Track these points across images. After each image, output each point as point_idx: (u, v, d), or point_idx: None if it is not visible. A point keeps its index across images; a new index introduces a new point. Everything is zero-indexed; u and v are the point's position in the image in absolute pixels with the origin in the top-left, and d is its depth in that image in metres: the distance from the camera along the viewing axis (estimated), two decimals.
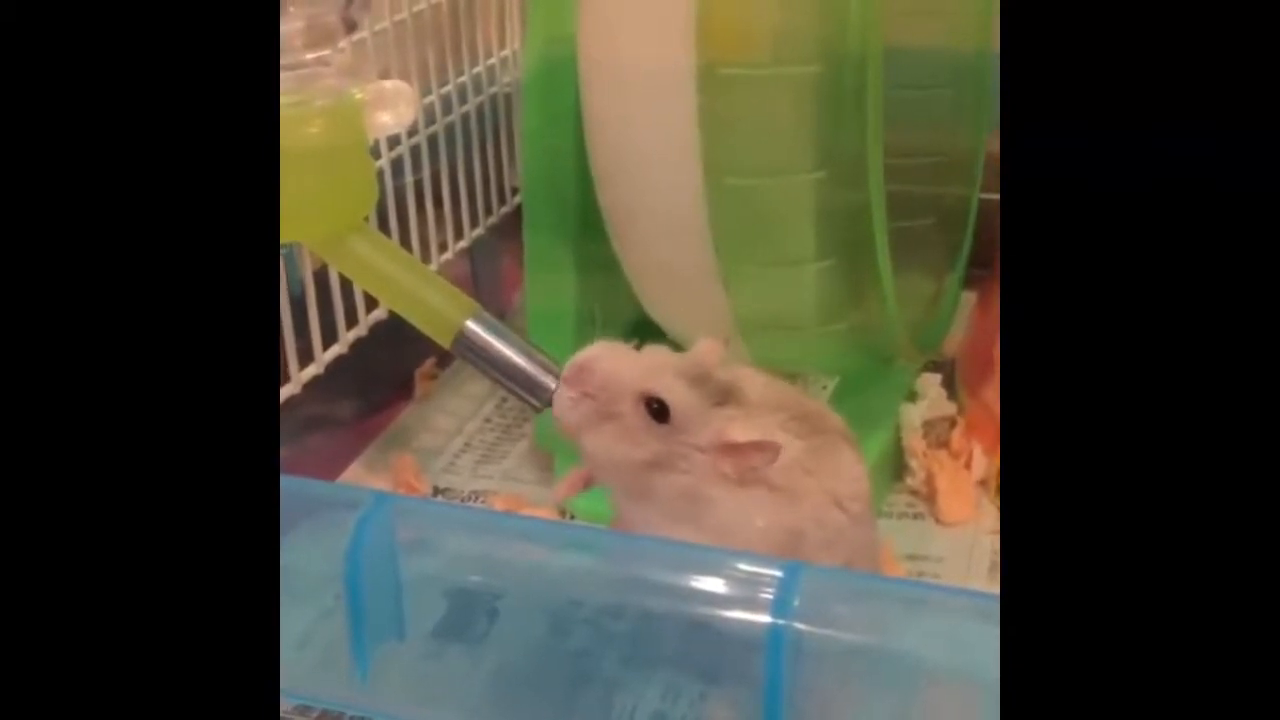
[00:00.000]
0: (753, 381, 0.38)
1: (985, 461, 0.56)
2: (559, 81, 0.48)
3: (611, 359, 0.37)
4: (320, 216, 0.38)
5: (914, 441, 0.56)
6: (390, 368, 0.64)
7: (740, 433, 0.36)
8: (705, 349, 0.38)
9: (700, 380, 0.37)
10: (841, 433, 0.42)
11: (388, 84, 0.39)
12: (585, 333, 0.54)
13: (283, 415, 0.50)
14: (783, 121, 0.44)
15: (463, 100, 0.63)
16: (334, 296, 0.53)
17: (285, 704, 0.43)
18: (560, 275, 0.53)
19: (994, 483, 0.55)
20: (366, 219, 0.39)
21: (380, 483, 0.58)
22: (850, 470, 0.41)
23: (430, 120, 0.60)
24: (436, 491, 0.58)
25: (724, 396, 0.37)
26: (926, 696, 0.27)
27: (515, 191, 0.67)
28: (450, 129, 0.62)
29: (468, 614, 0.30)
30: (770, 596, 0.27)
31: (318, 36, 0.36)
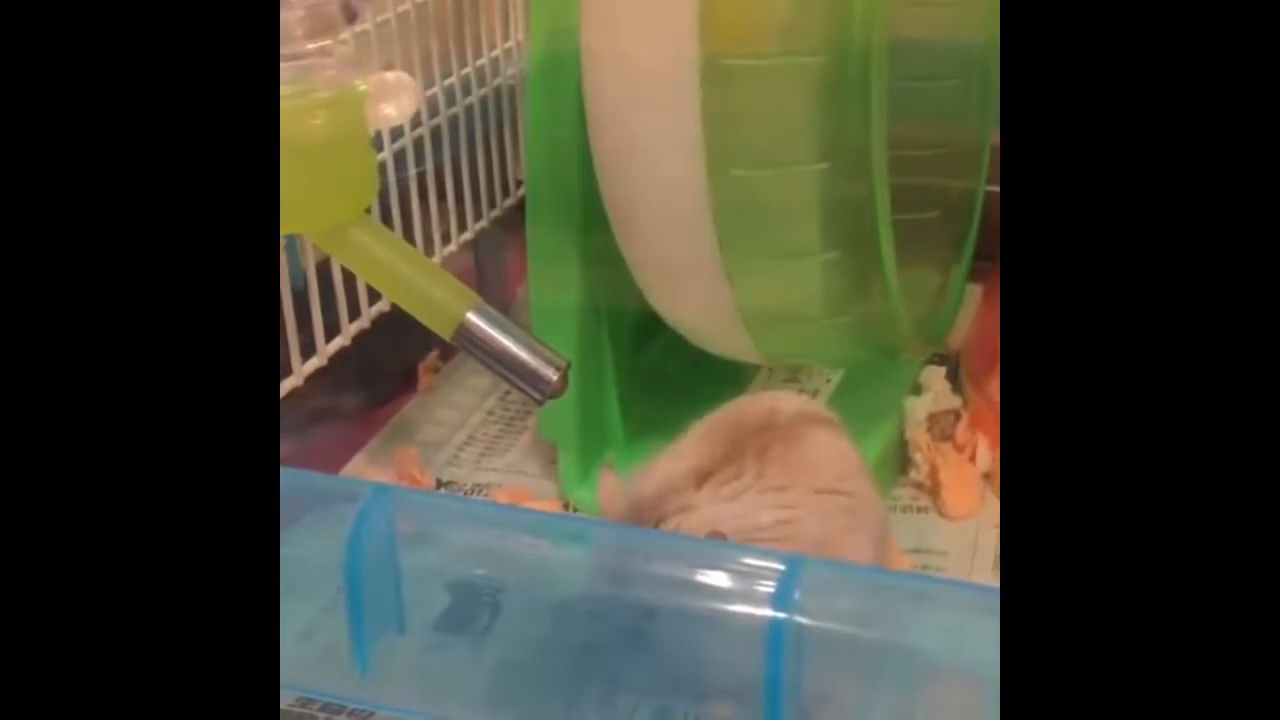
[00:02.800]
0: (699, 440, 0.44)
1: (989, 455, 0.55)
2: (563, 74, 0.48)
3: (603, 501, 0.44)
4: (321, 208, 0.37)
5: (918, 435, 0.56)
6: (393, 360, 0.64)
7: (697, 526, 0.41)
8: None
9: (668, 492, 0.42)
10: (806, 418, 0.43)
11: (390, 75, 0.38)
12: (588, 325, 0.54)
13: (286, 408, 0.49)
14: (787, 113, 0.44)
15: (466, 92, 0.63)
16: (336, 289, 0.53)
17: (286, 697, 0.43)
18: (564, 268, 0.53)
19: (998, 476, 0.55)
20: (369, 211, 0.39)
21: (383, 476, 0.58)
22: (826, 452, 0.43)
23: (433, 112, 0.60)
24: (440, 484, 0.58)
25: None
26: (928, 690, 0.27)
27: (519, 184, 0.67)
28: (454, 121, 0.62)
29: (469, 607, 0.30)
30: (771, 590, 0.27)
31: (318, 26, 0.35)
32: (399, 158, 0.58)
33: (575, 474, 0.55)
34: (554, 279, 0.53)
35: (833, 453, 0.44)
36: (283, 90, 0.34)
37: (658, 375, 0.59)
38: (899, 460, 0.56)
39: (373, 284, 0.40)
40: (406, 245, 0.40)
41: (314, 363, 0.52)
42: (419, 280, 0.38)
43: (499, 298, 0.68)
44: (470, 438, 0.62)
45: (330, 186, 0.38)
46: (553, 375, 0.38)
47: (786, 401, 0.46)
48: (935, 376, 0.59)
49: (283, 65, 0.34)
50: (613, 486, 0.43)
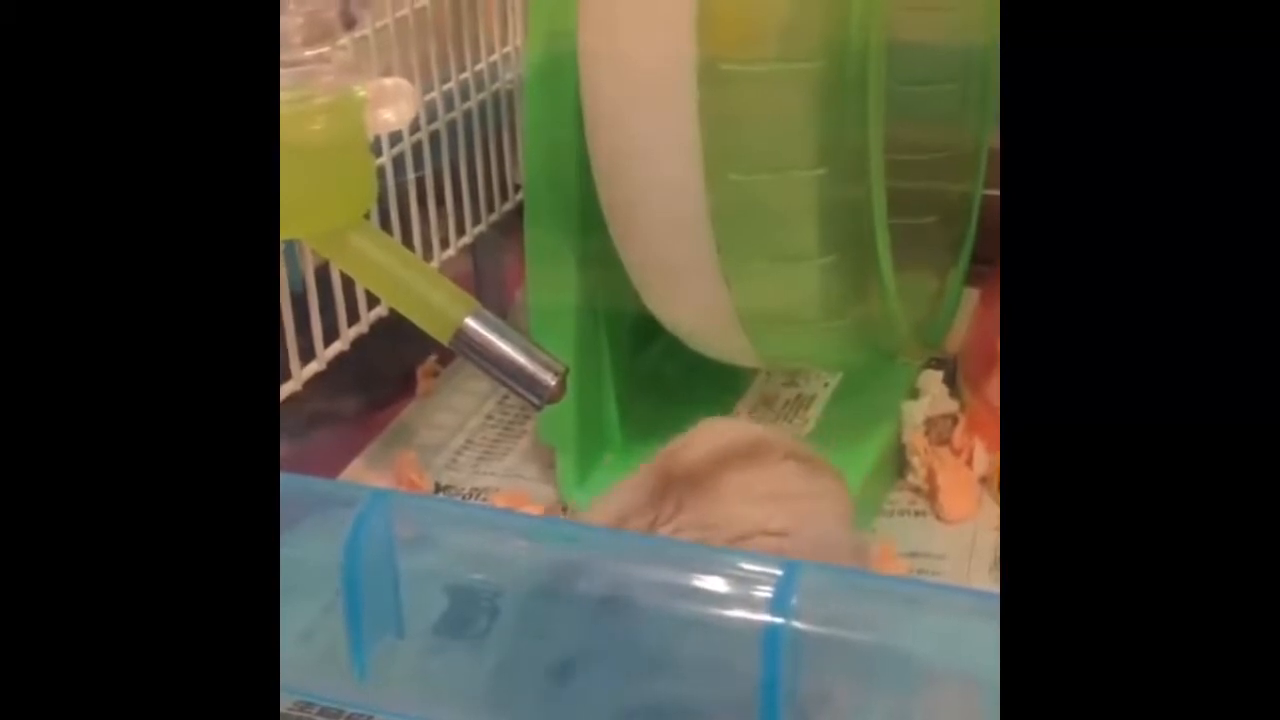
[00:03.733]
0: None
1: (987, 459, 0.55)
2: (561, 76, 0.48)
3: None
4: (320, 213, 0.38)
5: (916, 439, 0.56)
6: (392, 364, 0.64)
7: None
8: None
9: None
10: (722, 461, 0.43)
11: (388, 81, 0.39)
12: (587, 328, 0.54)
13: (285, 412, 0.49)
14: (785, 117, 0.44)
15: (464, 97, 0.63)
16: (336, 293, 0.53)
17: (285, 700, 0.43)
18: (562, 270, 0.53)
19: (996, 480, 0.55)
20: (368, 216, 0.39)
21: (382, 480, 0.58)
22: (746, 495, 0.42)
23: (432, 117, 0.60)
24: (438, 488, 0.58)
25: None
26: (926, 695, 0.27)
27: (517, 188, 0.67)
28: (452, 126, 0.62)
29: (466, 611, 0.30)
30: (769, 595, 0.27)
31: (317, 33, 0.36)
32: (398, 162, 0.58)
33: (573, 478, 0.55)
34: (552, 281, 0.53)
35: (756, 493, 0.42)
36: (282, 96, 0.35)
37: (656, 378, 0.59)
38: (896, 464, 0.56)
39: (371, 289, 0.40)
40: (405, 250, 0.40)
41: (313, 367, 0.52)
42: (417, 285, 0.38)
43: (497, 302, 0.68)
44: (469, 442, 0.62)
45: (329, 191, 0.38)
46: (551, 380, 0.38)
47: (718, 435, 0.44)
48: (932, 380, 0.59)
49: (282, 72, 0.35)
50: None
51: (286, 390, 0.51)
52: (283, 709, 0.43)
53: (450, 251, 0.62)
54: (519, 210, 0.62)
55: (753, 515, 0.42)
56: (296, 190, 0.33)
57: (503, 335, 0.38)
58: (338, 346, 0.54)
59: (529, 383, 0.38)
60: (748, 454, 0.44)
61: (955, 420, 0.58)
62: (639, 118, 0.46)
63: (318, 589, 0.30)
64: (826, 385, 0.62)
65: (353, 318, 0.55)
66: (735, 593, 0.27)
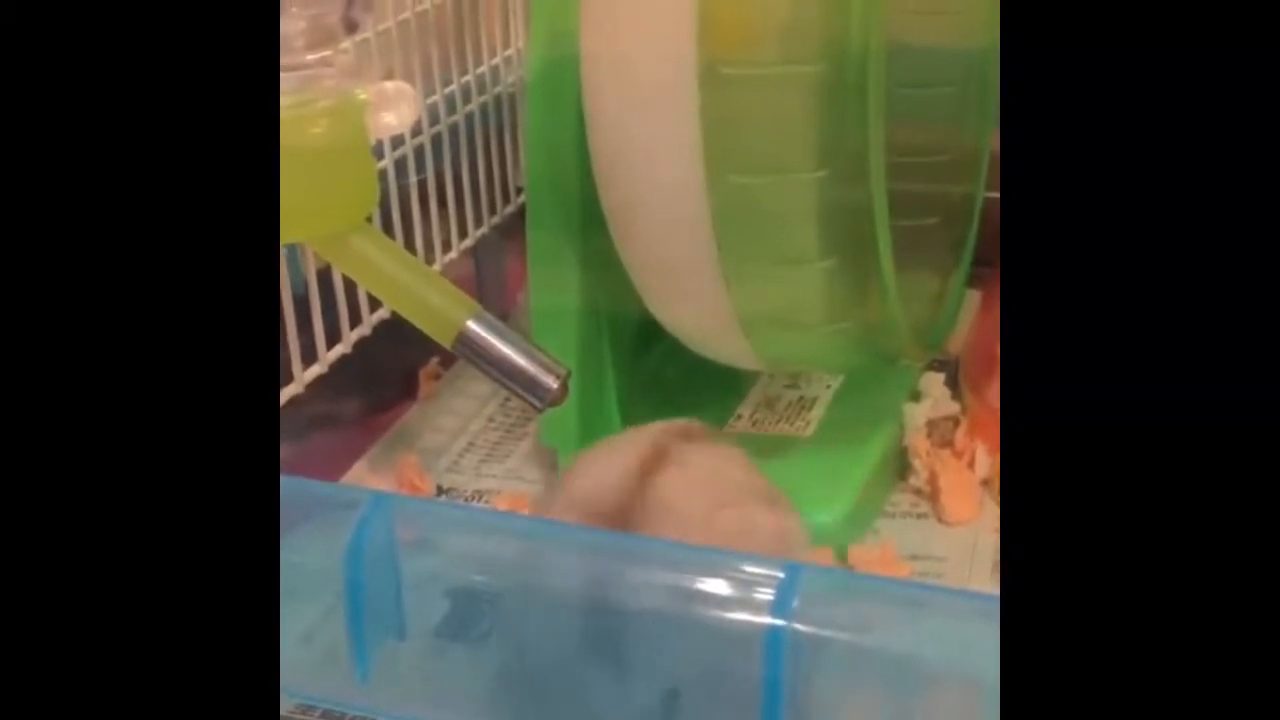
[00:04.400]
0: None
1: (989, 461, 0.55)
2: (563, 77, 0.48)
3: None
4: (322, 216, 0.38)
5: (917, 441, 0.56)
6: (394, 367, 0.64)
7: None
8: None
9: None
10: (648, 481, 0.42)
11: (390, 84, 0.39)
12: (588, 330, 0.54)
13: (286, 415, 0.50)
14: (786, 120, 0.44)
15: (466, 100, 0.63)
16: (337, 296, 0.53)
17: (286, 703, 0.43)
18: (563, 271, 0.53)
19: (997, 482, 0.55)
20: (369, 219, 0.40)
21: (384, 482, 0.58)
22: (676, 498, 0.41)
23: (434, 120, 0.60)
24: (440, 491, 0.58)
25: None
26: (926, 698, 0.27)
27: (519, 191, 0.67)
28: (454, 129, 0.62)
29: (468, 613, 0.30)
30: (770, 597, 0.27)
31: (319, 37, 0.36)
32: (399, 165, 0.58)
33: None
34: (554, 282, 0.54)
35: (696, 488, 0.42)
36: (284, 100, 0.35)
37: (658, 381, 0.59)
38: (898, 466, 0.56)
39: (373, 292, 0.40)
40: (406, 253, 0.40)
41: (315, 369, 0.52)
42: (419, 288, 0.38)
43: (499, 304, 0.68)
44: (471, 444, 0.62)
45: (331, 195, 0.38)
46: (552, 383, 0.38)
47: (625, 456, 0.43)
48: (934, 382, 0.59)
49: (284, 75, 0.35)
50: None
51: (288, 393, 0.51)
52: (284, 711, 0.43)
53: (452, 254, 0.62)
54: (520, 213, 0.62)
55: (700, 508, 0.42)
56: (298, 193, 0.34)
57: (504, 338, 0.38)
58: (339, 349, 0.54)
59: (530, 385, 0.38)
60: (665, 456, 0.43)
61: (957, 422, 0.58)
62: (640, 120, 0.46)
63: (319, 591, 0.30)
64: (828, 387, 0.62)
65: (355, 320, 0.55)
66: (737, 595, 0.27)
